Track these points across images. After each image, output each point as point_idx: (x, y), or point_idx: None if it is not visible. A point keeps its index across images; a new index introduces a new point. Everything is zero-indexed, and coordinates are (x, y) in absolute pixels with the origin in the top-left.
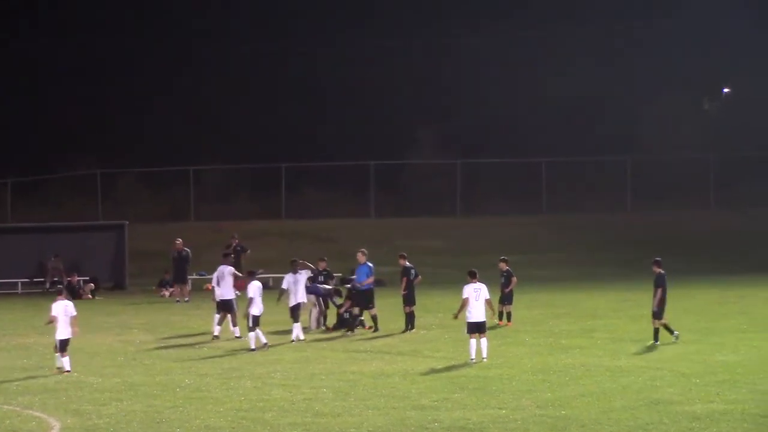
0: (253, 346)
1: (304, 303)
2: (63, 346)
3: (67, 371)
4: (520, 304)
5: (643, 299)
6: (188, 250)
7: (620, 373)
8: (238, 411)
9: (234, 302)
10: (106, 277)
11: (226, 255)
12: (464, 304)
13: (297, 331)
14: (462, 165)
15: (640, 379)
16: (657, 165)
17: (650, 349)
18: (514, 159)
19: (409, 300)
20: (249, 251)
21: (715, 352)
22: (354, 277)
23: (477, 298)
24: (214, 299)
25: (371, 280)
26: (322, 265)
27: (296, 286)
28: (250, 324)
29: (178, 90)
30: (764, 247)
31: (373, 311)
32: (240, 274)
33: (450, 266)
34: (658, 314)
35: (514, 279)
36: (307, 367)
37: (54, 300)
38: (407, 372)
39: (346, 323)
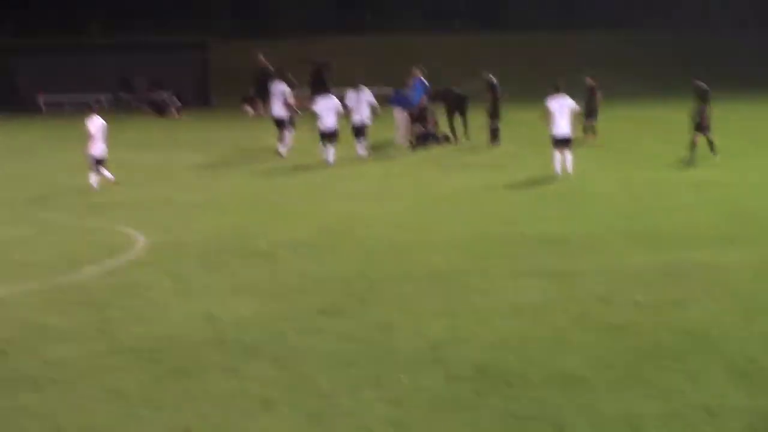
0: (330, 160)
1: (367, 123)
2: (99, 162)
3: (111, 179)
4: (605, 119)
5: (725, 114)
6: (271, 67)
7: (707, 187)
8: (324, 225)
9: (287, 120)
10: (190, 95)
11: (278, 71)
12: (548, 117)
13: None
14: None
15: (726, 193)
16: None
17: (737, 164)
18: None
19: (494, 115)
20: (333, 67)
21: None
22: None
23: (561, 111)
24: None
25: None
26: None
27: (358, 104)
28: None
29: None
30: None
31: (418, 129)
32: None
33: (535, 80)
34: (702, 127)
35: (599, 93)
36: (392, 182)
37: (89, 116)
38: (491, 186)
39: (429, 139)
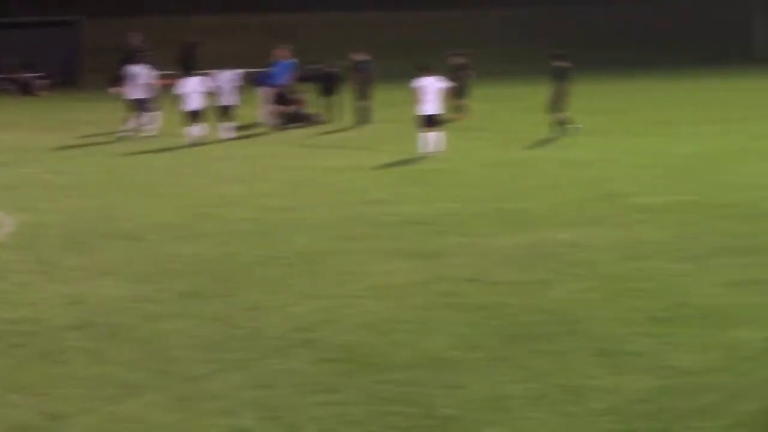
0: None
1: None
2: None
3: None
4: (474, 98)
5: (592, 92)
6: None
7: (574, 167)
8: (191, 207)
9: (147, 101)
10: (60, 75)
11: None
12: (418, 96)
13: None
14: None
15: (593, 172)
16: None
17: (602, 142)
18: None
19: (364, 94)
20: (200, 47)
21: (670, 144)
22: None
23: (430, 90)
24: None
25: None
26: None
27: (226, 85)
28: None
29: None
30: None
31: (285, 109)
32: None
33: (406, 59)
34: (556, 108)
35: (470, 72)
36: (260, 163)
37: None
38: (360, 166)
39: (297, 119)
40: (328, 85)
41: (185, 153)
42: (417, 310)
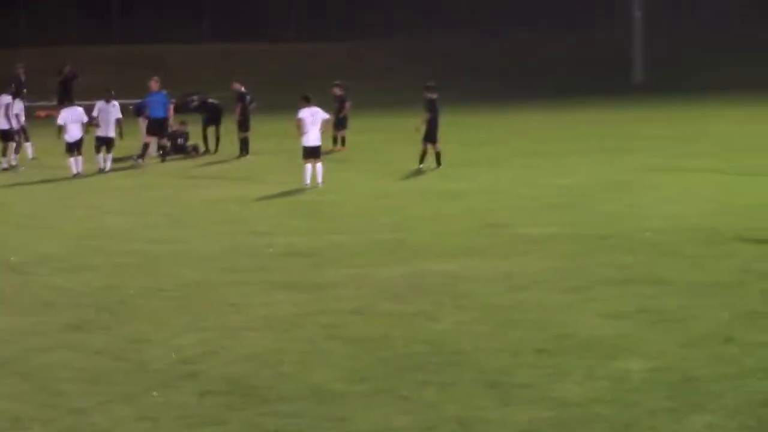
0: (75, 172)
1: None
2: None
3: None
4: (354, 129)
5: (471, 122)
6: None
7: (457, 197)
8: (74, 239)
9: (14, 132)
10: None
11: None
12: (300, 126)
13: (75, 163)
14: None
15: (477, 203)
16: None
17: (481, 173)
18: None
19: (243, 126)
20: (80, 78)
21: (554, 176)
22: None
23: (312, 121)
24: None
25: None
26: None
27: (106, 116)
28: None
29: None
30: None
31: (163, 141)
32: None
33: (285, 91)
34: (431, 137)
35: (348, 104)
36: (142, 194)
37: None
38: (241, 198)
39: (177, 150)
40: (212, 116)
41: (65, 184)
42: (302, 342)
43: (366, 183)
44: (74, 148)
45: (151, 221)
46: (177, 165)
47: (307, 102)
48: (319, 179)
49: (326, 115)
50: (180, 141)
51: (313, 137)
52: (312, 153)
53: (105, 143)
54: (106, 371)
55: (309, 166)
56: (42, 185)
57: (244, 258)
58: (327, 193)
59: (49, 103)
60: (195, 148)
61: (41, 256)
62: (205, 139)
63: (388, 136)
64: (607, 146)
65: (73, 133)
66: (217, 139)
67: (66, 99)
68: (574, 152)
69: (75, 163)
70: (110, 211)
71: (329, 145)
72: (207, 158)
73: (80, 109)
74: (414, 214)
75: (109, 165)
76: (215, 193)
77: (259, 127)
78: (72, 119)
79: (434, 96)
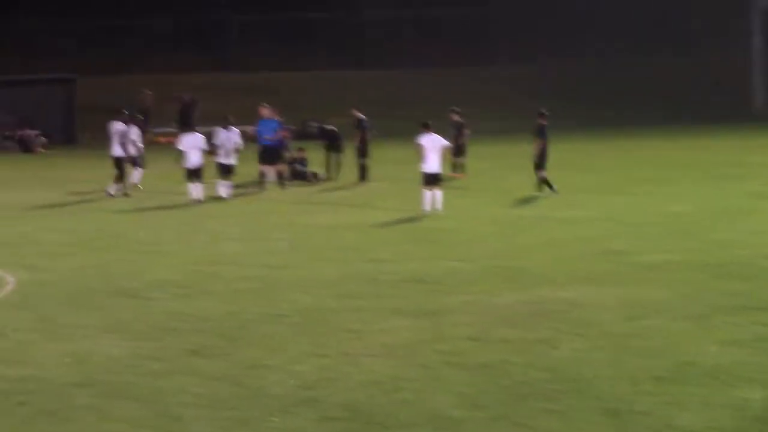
0: (196, 198)
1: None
2: None
3: None
4: (472, 156)
5: (590, 149)
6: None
7: (572, 224)
8: (192, 264)
9: (123, 160)
10: (57, 131)
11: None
12: (419, 153)
13: (195, 189)
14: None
15: (593, 230)
16: None
17: (596, 200)
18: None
19: (362, 152)
20: (200, 105)
21: (668, 203)
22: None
23: (432, 148)
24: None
25: (278, 135)
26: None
27: (226, 143)
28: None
29: None
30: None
31: (280, 167)
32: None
33: (402, 118)
34: (539, 165)
35: (467, 131)
36: (261, 220)
37: None
38: (360, 224)
39: (298, 177)
40: (332, 143)
41: (184, 210)
42: (419, 369)
43: (483, 209)
44: (193, 174)
45: (269, 247)
46: (296, 192)
47: (427, 129)
48: (438, 206)
49: (446, 142)
50: (299, 167)
51: (432, 164)
52: (432, 180)
53: (224, 169)
54: (224, 396)
55: (428, 192)
56: (160, 211)
57: (361, 284)
58: (445, 219)
59: (169, 129)
60: (315, 175)
61: (160, 281)
62: (327, 165)
63: (506, 163)
64: (720, 173)
65: (193, 159)
66: (338, 165)
67: (186, 125)
68: (686, 179)
69: (194, 189)
70: (228, 237)
71: (448, 172)
72: (327, 185)
73: (200, 136)
74: (530, 240)
75: (227, 191)
76: (334, 220)
77: (377, 153)
78: (192, 145)
79: (545, 123)
